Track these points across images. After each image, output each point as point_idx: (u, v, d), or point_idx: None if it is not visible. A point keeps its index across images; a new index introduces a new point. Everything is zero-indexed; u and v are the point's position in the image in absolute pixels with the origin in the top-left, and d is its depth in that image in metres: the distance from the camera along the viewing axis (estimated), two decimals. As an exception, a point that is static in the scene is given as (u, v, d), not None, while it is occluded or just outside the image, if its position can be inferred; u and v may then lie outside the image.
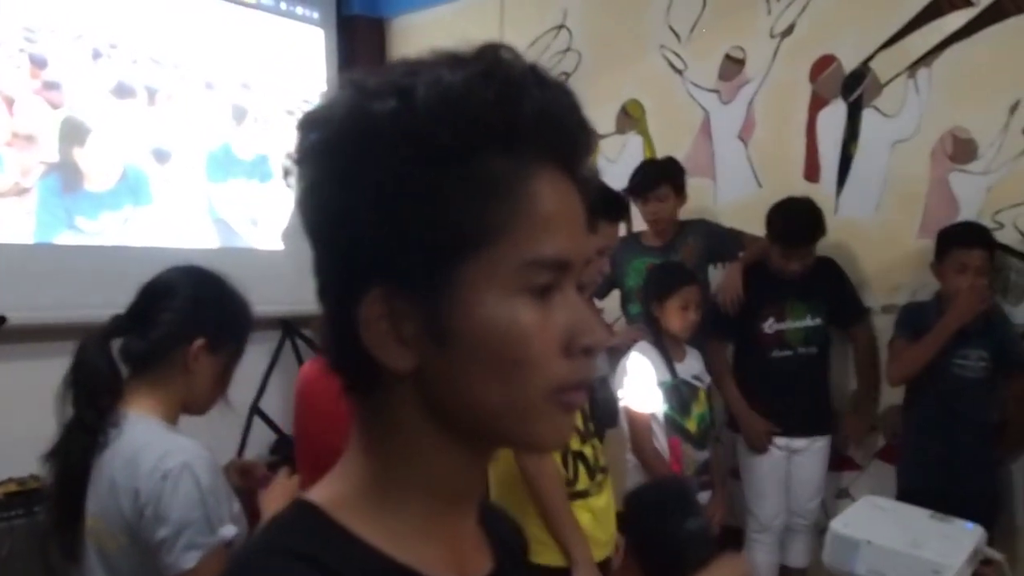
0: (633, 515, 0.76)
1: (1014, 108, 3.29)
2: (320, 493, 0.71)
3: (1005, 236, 3.33)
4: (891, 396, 3.56)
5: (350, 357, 0.68)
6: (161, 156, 4.19)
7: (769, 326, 3.48)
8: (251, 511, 1.75)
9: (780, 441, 3.52)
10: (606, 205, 2.31)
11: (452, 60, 0.65)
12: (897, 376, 3.29)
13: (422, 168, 0.63)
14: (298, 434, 2.29)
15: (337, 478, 0.72)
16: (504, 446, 0.73)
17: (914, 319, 3.29)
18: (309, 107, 0.69)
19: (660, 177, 3.66)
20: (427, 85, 0.63)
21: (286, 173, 0.69)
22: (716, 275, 3.81)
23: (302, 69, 4.80)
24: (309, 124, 0.68)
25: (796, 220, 3.36)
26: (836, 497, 3.75)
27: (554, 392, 0.66)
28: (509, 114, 0.63)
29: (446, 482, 0.71)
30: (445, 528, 0.72)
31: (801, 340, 3.49)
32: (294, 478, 1.85)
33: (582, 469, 2.28)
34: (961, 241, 3.13)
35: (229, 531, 1.55)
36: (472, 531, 0.77)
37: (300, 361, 4.55)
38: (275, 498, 1.78)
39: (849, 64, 3.69)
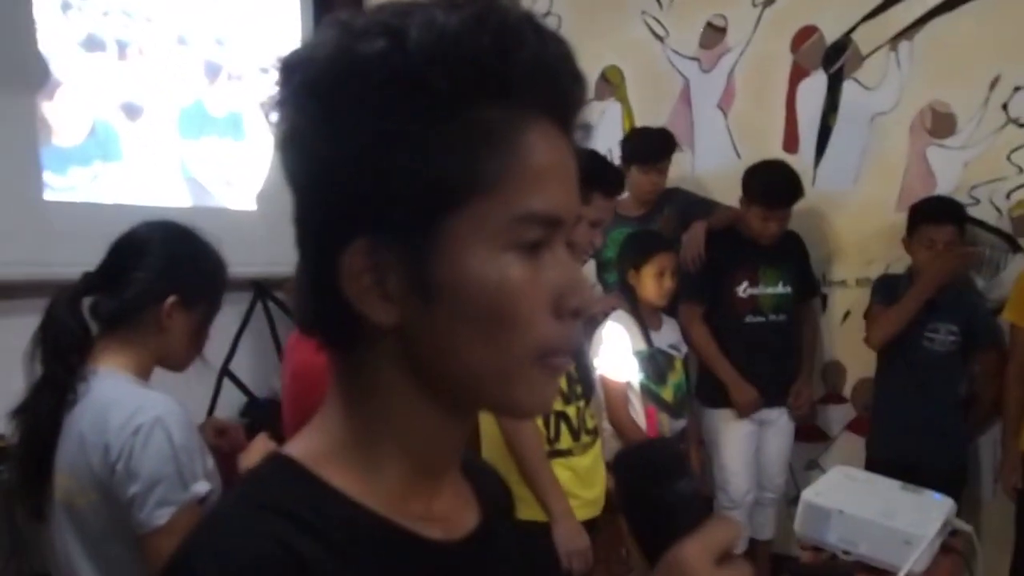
0: (621, 477, 0.75)
1: (994, 83, 3.31)
2: (297, 447, 0.69)
3: (981, 212, 3.36)
4: (862, 369, 3.59)
5: (330, 311, 0.65)
6: (132, 111, 4.09)
7: (743, 290, 3.46)
8: (227, 472, 1.72)
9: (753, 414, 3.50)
10: (603, 177, 2.29)
11: (446, 2, 0.62)
12: (877, 338, 3.30)
13: (412, 114, 0.60)
14: (286, 402, 2.26)
15: (315, 432, 0.70)
16: (484, 409, 0.71)
17: (888, 290, 3.31)
18: (293, 49, 0.65)
19: (670, 148, 3.63)
20: (420, 27, 0.60)
21: (266, 115, 0.65)
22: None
23: (277, 25, 4.71)
24: (291, 65, 0.64)
25: (777, 181, 3.34)
26: (806, 468, 3.80)
27: (540, 354, 0.64)
28: (505, 61, 0.61)
29: (426, 441, 0.69)
30: (427, 483, 0.70)
31: (772, 307, 3.49)
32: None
33: (564, 429, 2.29)
34: (930, 217, 3.15)
35: (202, 487, 1.53)
36: (455, 486, 0.76)
37: (272, 323, 4.50)
38: (255, 460, 1.76)
39: (831, 35, 3.68)
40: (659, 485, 0.71)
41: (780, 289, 3.48)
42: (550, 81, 0.63)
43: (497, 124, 0.62)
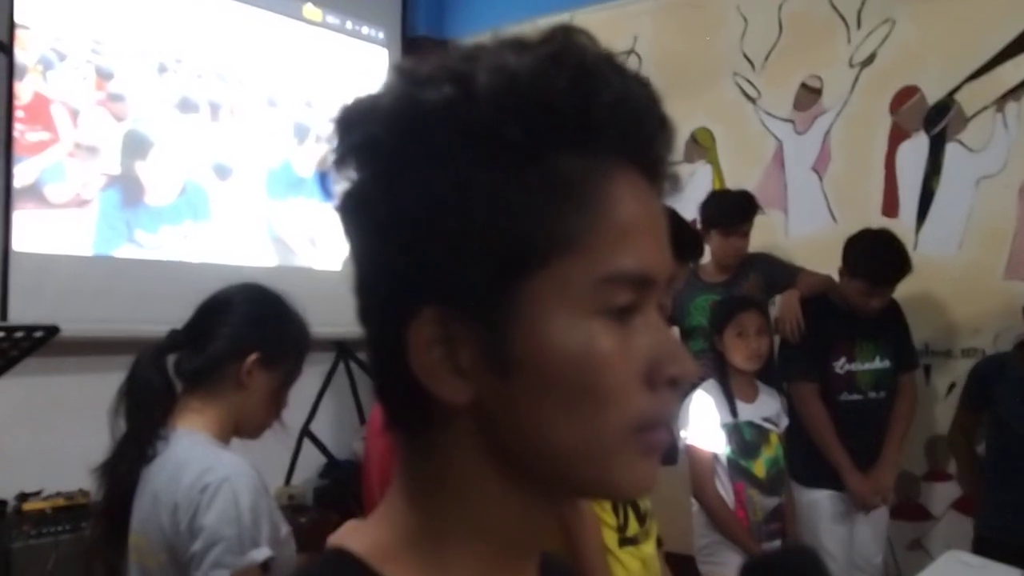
0: None
1: (1110, 145, 3.14)
2: (359, 540, 0.61)
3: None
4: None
5: (397, 387, 0.58)
6: (222, 172, 4.18)
7: (840, 366, 3.25)
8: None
9: (845, 495, 3.25)
10: (681, 242, 2.20)
11: (516, 43, 0.56)
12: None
13: (483, 168, 0.53)
14: (367, 476, 2.20)
15: (378, 524, 0.62)
16: (577, 495, 0.62)
17: (977, 385, 3.18)
18: (349, 103, 0.59)
19: (751, 211, 3.51)
20: (489, 71, 0.54)
21: (323, 177, 0.59)
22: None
23: (366, 89, 4.78)
24: (350, 118, 0.58)
25: (884, 255, 3.13)
26: (908, 549, 3.58)
27: (635, 430, 0.56)
28: (584, 105, 0.54)
29: (505, 533, 0.60)
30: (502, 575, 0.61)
31: (871, 383, 3.27)
32: None
33: (632, 515, 2.16)
34: None
35: (260, 554, 1.49)
36: None
37: (353, 384, 4.50)
38: None
39: (933, 96, 3.56)
40: None
41: (878, 364, 3.28)
42: (634, 126, 0.56)
43: (578, 175, 0.55)
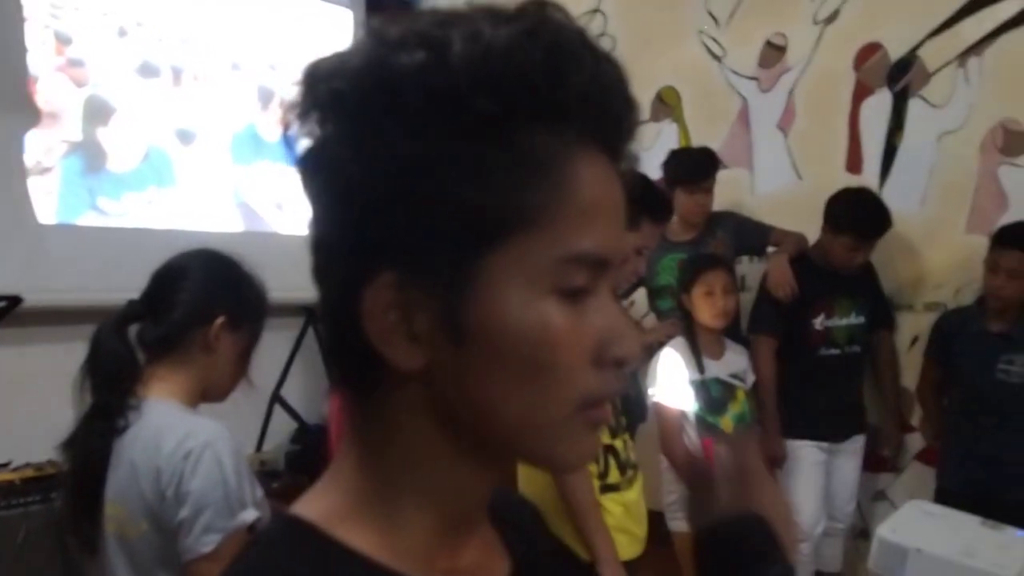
0: (709, 554, 0.67)
1: (1070, 100, 3.17)
2: (309, 506, 0.62)
3: (1058, 233, 3.21)
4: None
5: (349, 349, 0.58)
6: (186, 137, 4.13)
7: (819, 323, 3.35)
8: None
9: (823, 444, 3.39)
10: (653, 203, 2.22)
11: (492, 14, 0.55)
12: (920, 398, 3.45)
13: (453, 137, 0.53)
14: (331, 439, 2.21)
15: (327, 489, 0.63)
16: (521, 462, 0.63)
17: (942, 339, 3.28)
18: (319, 58, 0.58)
19: (713, 167, 3.53)
20: (464, 39, 0.53)
21: (285, 128, 0.58)
22: (751, 269, 3.71)
23: (330, 51, 4.73)
24: (317, 74, 0.57)
25: (868, 211, 3.22)
26: (872, 500, 3.66)
27: (579, 406, 0.58)
28: (557, 82, 0.54)
29: (452, 495, 0.62)
30: (453, 537, 0.63)
31: (846, 338, 3.38)
32: None
33: (613, 463, 2.22)
34: (997, 240, 3.06)
35: (250, 515, 1.50)
36: (483, 535, 0.68)
37: (323, 349, 4.50)
38: None
39: (896, 52, 3.58)
40: (752, 570, 0.64)
41: (854, 320, 3.38)
42: (603, 107, 0.57)
43: (546, 152, 0.55)
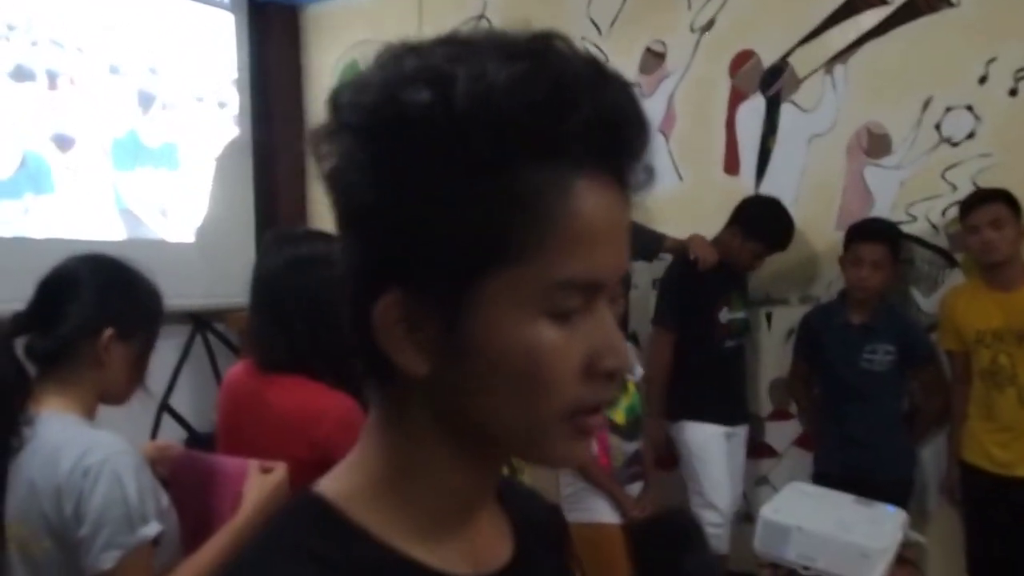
0: (643, 546, 0.74)
1: (927, 104, 3.39)
2: (331, 486, 0.68)
3: (918, 228, 3.43)
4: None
5: (366, 352, 0.64)
6: (63, 142, 3.99)
7: (723, 316, 3.52)
8: (180, 504, 1.66)
9: (727, 429, 3.56)
10: None
11: (501, 49, 0.59)
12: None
13: (452, 173, 0.58)
14: (224, 440, 2.17)
15: (350, 470, 0.69)
16: (516, 458, 0.71)
17: (808, 336, 3.48)
18: (343, 83, 0.63)
19: None
20: (468, 80, 0.57)
21: (315, 149, 0.63)
22: (640, 267, 3.81)
23: (212, 55, 4.65)
24: (338, 103, 0.62)
25: (785, 224, 3.43)
26: (756, 484, 3.81)
27: (567, 415, 0.63)
28: (556, 121, 0.58)
29: (453, 485, 0.68)
30: (458, 522, 0.69)
31: (741, 330, 3.61)
32: (278, 470, 1.73)
33: None
34: (857, 235, 3.26)
35: (152, 529, 1.49)
36: (489, 521, 0.74)
37: (212, 357, 4.41)
38: (257, 491, 1.69)
39: (768, 59, 3.74)
40: (683, 556, 0.70)
41: (744, 314, 3.62)
42: (608, 134, 0.60)
43: (540, 188, 0.59)
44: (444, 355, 0.62)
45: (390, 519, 0.66)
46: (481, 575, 0.70)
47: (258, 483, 1.71)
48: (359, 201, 0.61)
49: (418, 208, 0.58)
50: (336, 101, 0.62)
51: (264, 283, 1.91)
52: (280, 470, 1.71)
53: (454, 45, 0.60)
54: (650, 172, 0.65)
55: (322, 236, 2.01)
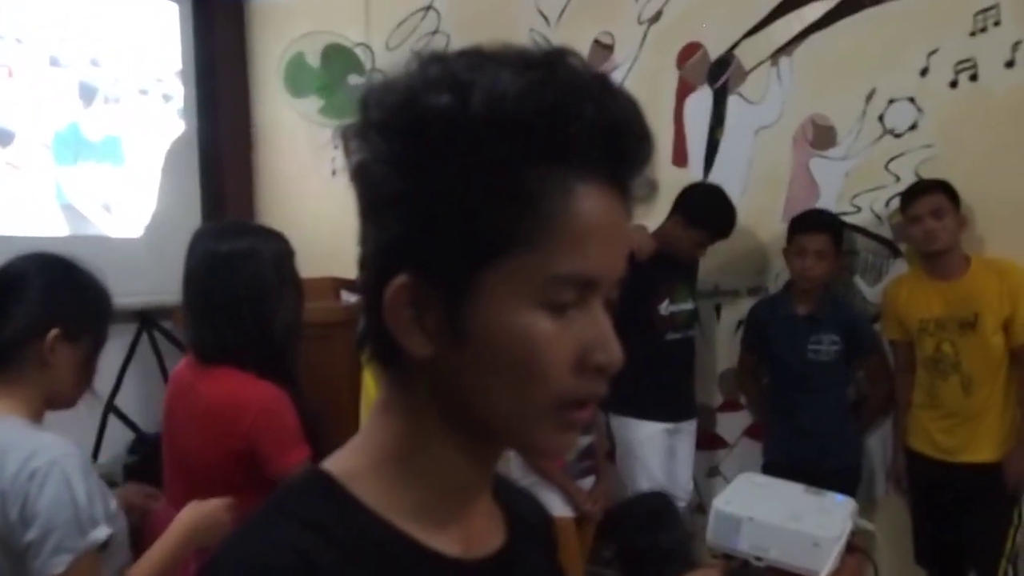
0: (618, 530, 0.79)
1: (870, 96, 3.44)
2: (337, 463, 0.74)
3: (862, 219, 3.49)
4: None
5: (376, 333, 0.70)
6: (3, 137, 3.90)
7: (664, 308, 3.50)
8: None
9: (668, 425, 3.53)
10: None
11: (518, 61, 0.65)
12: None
13: (465, 170, 0.64)
14: (168, 439, 2.14)
15: (356, 448, 0.75)
16: (507, 447, 0.75)
17: (755, 328, 3.53)
18: (373, 82, 0.69)
19: None
20: (484, 89, 0.63)
21: (345, 143, 0.70)
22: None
23: (156, 47, 4.56)
24: (366, 102, 0.68)
25: (726, 212, 3.41)
26: (707, 476, 3.85)
27: (557, 406, 0.68)
28: (561, 127, 0.63)
29: (451, 465, 0.72)
30: (454, 504, 0.74)
31: (686, 322, 3.57)
32: (220, 500, 1.71)
33: None
34: (800, 226, 3.31)
35: (101, 532, 1.48)
36: (484, 510, 0.79)
37: (159, 355, 4.34)
38: (192, 510, 1.67)
39: (715, 51, 3.77)
40: (657, 532, 0.74)
41: (690, 305, 3.58)
42: (610, 144, 0.65)
43: (543, 188, 0.64)
44: (447, 339, 0.67)
45: (389, 496, 0.71)
46: (471, 558, 0.74)
47: (195, 506, 1.70)
48: (381, 191, 0.67)
49: (432, 199, 0.64)
50: (365, 100, 0.68)
51: (190, 278, 1.96)
52: (221, 500, 1.71)
53: (476, 56, 0.66)
54: (652, 186, 0.71)
55: (248, 229, 2.03)
